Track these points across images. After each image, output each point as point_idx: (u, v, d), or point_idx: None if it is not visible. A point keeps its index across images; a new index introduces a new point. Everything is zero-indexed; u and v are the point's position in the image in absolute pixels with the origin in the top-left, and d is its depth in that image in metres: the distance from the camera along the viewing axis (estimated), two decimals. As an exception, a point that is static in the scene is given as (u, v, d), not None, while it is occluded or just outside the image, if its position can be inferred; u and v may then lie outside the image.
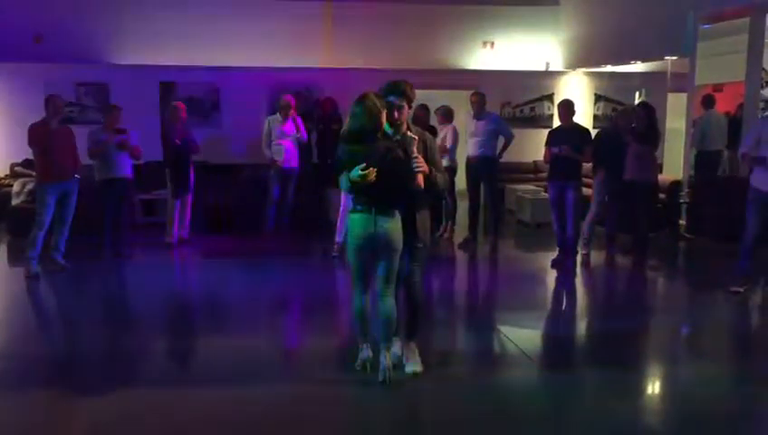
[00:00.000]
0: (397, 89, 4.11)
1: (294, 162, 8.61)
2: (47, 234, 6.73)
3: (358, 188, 3.95)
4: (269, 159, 8.58)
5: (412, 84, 4.21)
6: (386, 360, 4.06)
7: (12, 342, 5.11)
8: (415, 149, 3.95)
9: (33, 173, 9.31)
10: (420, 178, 3.97)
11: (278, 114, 8.63)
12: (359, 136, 3.95)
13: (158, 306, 6.14)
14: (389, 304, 4.07)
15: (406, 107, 4.14)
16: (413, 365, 4.25)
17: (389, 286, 4.08)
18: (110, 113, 7.41)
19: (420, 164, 3.95)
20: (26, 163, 9.52)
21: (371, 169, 3.82)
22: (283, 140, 8.49)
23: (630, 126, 7.35)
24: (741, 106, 9.40)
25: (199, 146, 8.17)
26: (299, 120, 8.64)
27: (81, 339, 5.25)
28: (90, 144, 7.19)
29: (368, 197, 3.96)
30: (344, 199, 6.58)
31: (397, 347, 4.32)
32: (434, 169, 4.11)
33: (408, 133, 4.01)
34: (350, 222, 4.08)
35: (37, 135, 6.60)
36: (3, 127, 10.06)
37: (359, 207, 4.02)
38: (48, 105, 6.65)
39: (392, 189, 3.95)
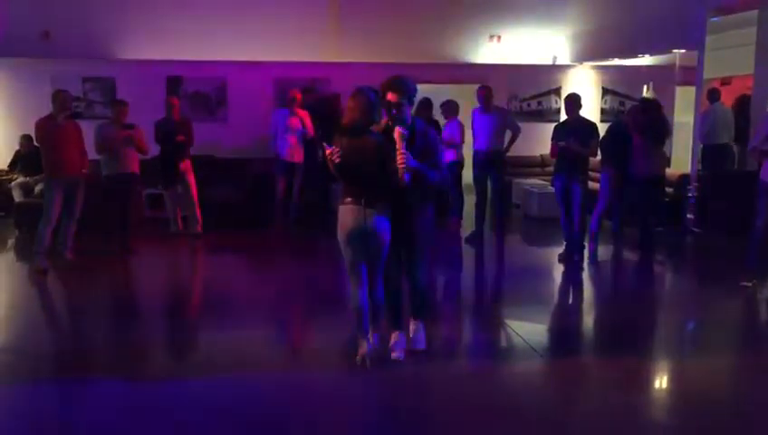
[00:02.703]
0: (396, 84, 4.10)
1: (298, 157, 8.60)
2: (55, 229, 6.75)
3: (348, 181, 4.03)
4: (274, 152, 8.60)
5: (413, 79, 4.20)
6: (368, 344, 4.19)
7: (19, 336, 5.14)
8: (402, 145, 3.91)
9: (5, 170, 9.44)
10: (406, 174, 3.91)
11: (285, 108, 8.64)
12: (351, 130, 4.02)
13: (163, 300, 6.18)
14: (379, 294, 4.20)
15: (405, 103, 4.12)
16: (418, 344, 4.42)
17: (379, 278, 4.18)
18: (116, 108, 7.43)
19: (405, 160, 3.89)
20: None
21: (335, 149, 3.92)
22: (289, 135, 8.49)
23: (637, 121, 7.33)
24: (740, 99, 9.33)
25: (185, 140, 8.13)
26: (305, 115, 8.63)
27: (88, 333, 5.28)
28: (97, 139, 7.21)
29: (357, 189, 4.03)
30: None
31: (395, 335, 4.43)
32: (426, 165, 4.05)
33: (398, 129, 3.97)
34: (340, 214, 4.11)
35: (44, 130, 6.62)
36: (9, 121, 10.07)
37: (348, 200, 4.06)
38: (55, 100, 6.66)
39: (380, 183, 4.00)
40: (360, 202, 4.01)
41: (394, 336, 4.42)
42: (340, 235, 4.12)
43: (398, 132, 3.93)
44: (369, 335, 4.27)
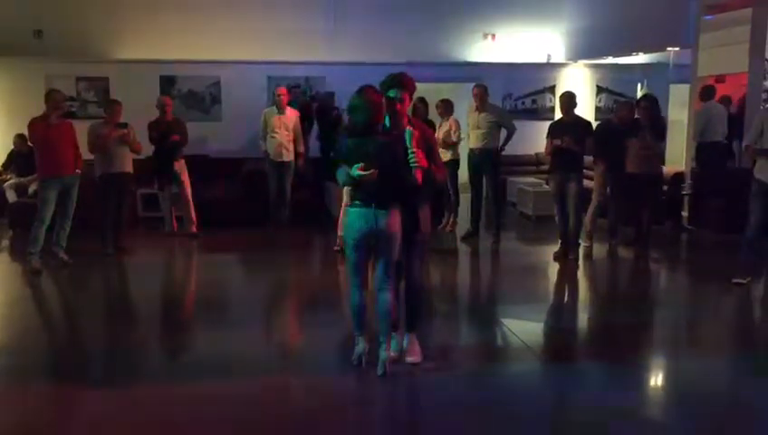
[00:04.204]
0: (396, 82, 4.09)
1: (288, 155, 8.55)
2: (49, 229, 6.72)
3: (358, 183, 3.94)
4: (263, 151, 8.57)
5: (412, 77, 4.19)
6: (384, 353, 4.08)
7: (14, 337, 5.11)
8: (414, 144, 3.91)
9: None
10: (419, 173, 3.90)
11: (274, 106, 8.61)
12: (360, 130, 3.95)
13: (158, 301, 6.16)
14: (387, 298, 4.07)
15: (406, 100, 4.12)
16: (412, 356, 4.31)
17: (388, 281, 4.08)
18: (110, 108, 7.40)
19: (419, 159, 3.89)
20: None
21: (373, 170, 3.81)
22: (278, 133, 8.45)
23: (632, 119, 7.32)
24: (721, 99, 9.34)
25: (180, 139, 8.12)
26: (294, 113, 8.60)
27: (82, 334, 5.27)
28: (90, 139, 7.18)
29: (367, 191, 3.95)
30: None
31: (396, 341, 4.35)
32: (432, 165, 4.04)
33: (408, 128, 3.97)
34: (349, 217, 4.05)
35: (38, 130, 6.59)
36: (3, 121, 10.03)
37: (357, 202, 4.00)
38: (48, 100, 6.63)
39: (391, 184, 3.93)
40: (371, 205, 3.94)
41: (389, 337, 4.39)
42: (348, 236, 4.07)
43: (410, 131, 3.91)
44: (387, 336, 4.17)
